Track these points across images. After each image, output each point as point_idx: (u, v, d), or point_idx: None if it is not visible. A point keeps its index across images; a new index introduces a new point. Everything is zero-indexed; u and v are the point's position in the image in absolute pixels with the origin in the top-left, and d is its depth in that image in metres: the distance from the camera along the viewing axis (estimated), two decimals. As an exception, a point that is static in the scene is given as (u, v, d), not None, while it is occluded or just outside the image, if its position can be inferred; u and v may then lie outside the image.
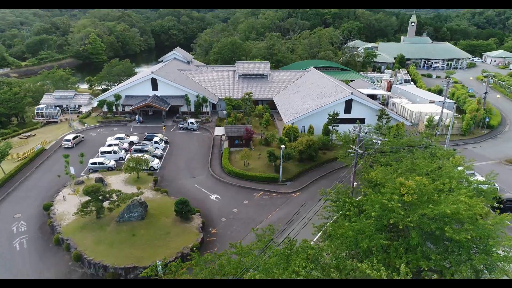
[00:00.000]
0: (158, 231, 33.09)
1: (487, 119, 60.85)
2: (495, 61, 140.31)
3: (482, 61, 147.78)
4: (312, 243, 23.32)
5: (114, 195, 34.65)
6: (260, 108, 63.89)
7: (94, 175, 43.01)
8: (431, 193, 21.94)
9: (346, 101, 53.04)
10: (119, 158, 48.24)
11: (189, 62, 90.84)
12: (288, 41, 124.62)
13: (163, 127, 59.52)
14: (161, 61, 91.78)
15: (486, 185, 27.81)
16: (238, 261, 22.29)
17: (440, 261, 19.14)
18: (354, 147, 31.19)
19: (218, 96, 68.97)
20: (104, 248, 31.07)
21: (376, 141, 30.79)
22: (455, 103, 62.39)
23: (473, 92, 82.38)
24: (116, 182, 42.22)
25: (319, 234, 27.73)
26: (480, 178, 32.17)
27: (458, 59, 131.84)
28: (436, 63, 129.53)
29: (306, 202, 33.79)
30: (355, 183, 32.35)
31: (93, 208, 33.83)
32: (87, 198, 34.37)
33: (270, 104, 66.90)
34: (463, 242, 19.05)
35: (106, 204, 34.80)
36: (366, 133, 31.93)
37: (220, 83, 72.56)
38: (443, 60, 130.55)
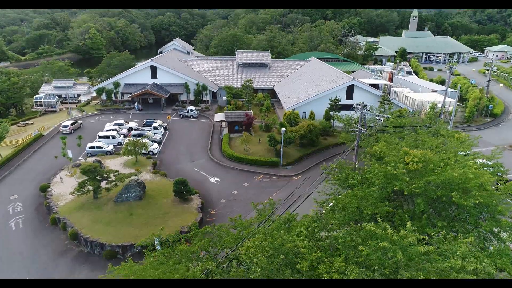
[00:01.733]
0: (157, 211, 32.45)
1: (490, 107, 60.11)
2: (497, 55, 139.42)
3: (484, 56, 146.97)
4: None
5: (111, 175, 34.00)
6: (260, 97, 63.14)
7: (92, 159, 42.34)
8: (436, 163, 21.28)
9: (347, 86, 52.36)
10: (118, 143, 47.61)
11: (189, 53, 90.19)
12: (288, 34, 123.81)
13: (168, 116, 58.20)
14: (161, 51, 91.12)
15: (492, 162, 27.11)
16: (237, 234, 21.69)
17: (447, 228, 18.47)
18: (356, 125, 30.52)
19: (218, 85, 68.30)
20: (101, 226, 30.44)
21: (379, 118, 30.08)
22: (460, 88, 61.62)
23: (476, 84, 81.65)
24: (114, 165, 41.51)
25: (322, 211, 27.09)
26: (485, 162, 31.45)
27: (460, 53, 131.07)
28: (437, 57, 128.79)
29: (307, 178, 33.12)
30: (357, 163, 31.69)
31: (90, 188, 33.20)
32: (85, 179, 33.75)
33: (271, 94, 66.25)
34: (470, 208, 18.40)
35: (103, 184, 34.15)
36: (368, 111, 31.23)
37: (220, 72, 71.86)
38: (444, 54, 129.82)
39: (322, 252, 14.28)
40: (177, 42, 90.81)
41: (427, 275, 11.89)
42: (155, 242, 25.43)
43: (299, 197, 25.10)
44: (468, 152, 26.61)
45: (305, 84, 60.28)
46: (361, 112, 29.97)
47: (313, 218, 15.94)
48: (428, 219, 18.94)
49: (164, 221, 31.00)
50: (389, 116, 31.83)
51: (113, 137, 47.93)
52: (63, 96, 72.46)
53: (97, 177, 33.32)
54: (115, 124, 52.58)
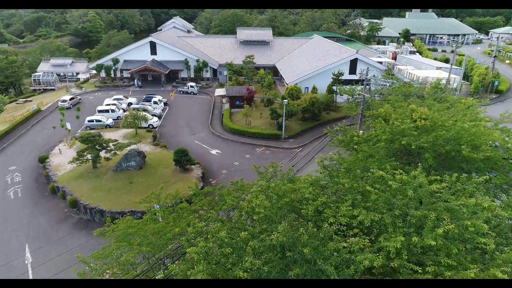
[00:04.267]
0: (157, 180, 31.94)
1: (496, 83, 59.03)
2: (502, 37, 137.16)
3: (488, 38, 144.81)
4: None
5: (110, 144, 33.42)
6: (262, 73, 62.05)
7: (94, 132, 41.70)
8: (444, 121, 20.57)
9: (351, 61, 51.29)
10: (117, 117, 46.91)
11: (189, 31, 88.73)
12: (290, 14, 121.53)
13: (171, 94, 56.17)
14: (161, 29, 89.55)
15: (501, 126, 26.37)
16: (239, 195, 21.16)
17: (455, 185, 17.87)
18: (361, 92, 29.75)
19: (219, 62, 67.15)
20: (100, 194, 30.02)
21: (384, 83, 29.26)
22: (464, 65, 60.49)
23: (480, 63, 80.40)
24: (114, 138, 40.78)
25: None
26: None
27: (464, 35, 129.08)
28: (441, 38, 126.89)
29: (311, 140, 32.37)
30: (361, 131, 31.00)
31: (89, 157, 32.66)
32: (83, 147, 33.17)
33: (272, 72, 65.05)
34: (480, 163, 17.75)
35: (102, 154, 33.59)
36: (374, 76, 30.37)
37: (221, 49, 70.61)
38: (448, 35, 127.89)
39: (328, 198, 13.71)
40: (177, 21, 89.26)
41: (439, 214, 11.30)
42: (155, 207, 25.03)
43: (302, 159, 24.52)
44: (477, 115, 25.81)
45: (308, 60, 59.16)
46: (366, 78, 29.13)
47: (318, 164, 15.27)
48: (436, 174, 18.30)
49: (165, 189, 30.37)
50: (396, 81, 30.93)
51: (113, 111, 47.23)
52: (61, 74, 71.44)
53: (96, 146, 32.75)
54: (115, 99, 51.84)
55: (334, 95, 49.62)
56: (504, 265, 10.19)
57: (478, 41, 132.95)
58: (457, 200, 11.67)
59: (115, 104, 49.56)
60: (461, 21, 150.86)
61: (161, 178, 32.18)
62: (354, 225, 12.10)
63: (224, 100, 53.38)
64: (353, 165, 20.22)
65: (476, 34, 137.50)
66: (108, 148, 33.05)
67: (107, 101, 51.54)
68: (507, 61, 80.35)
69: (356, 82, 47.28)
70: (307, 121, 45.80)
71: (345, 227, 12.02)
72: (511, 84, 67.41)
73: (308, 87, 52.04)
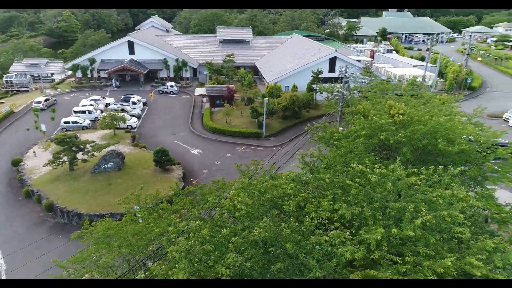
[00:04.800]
0: (136, 181, 31.34)
1: (469, 80, 60.92)
2: (474, 36, 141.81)
3: (461, 37, 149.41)
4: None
5: (88, 145, 32.60)
6: (242, 72, 61.93)
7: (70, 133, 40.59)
8: (420, 117, 21.04)
9: (330, 59, 51.83)
10: (94, 118, 45.79)
11: (167, 31, 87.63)
12: (270, 13, 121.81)
13: (151, 94, 54.96)
14: (138, 29, 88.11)
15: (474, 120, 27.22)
16: (220, 194, 21.01)
17: (432, 177, 18.30)
18: (340, 89, 30.09)
19: (199, 61, 66.59)
20: (78, 196, 29.24)
21: (362, 81, 29.68)
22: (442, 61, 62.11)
23: (454, 61, 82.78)
24: (91, 139, 39.87)
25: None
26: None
27: (439, 34, 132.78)
28: (417, 37, 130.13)
29: (292, 138, 32.54)
30: (340, 128, 31.36)
31: (66, 159, 31.76)
32: (59, 149, 32.21)
33: (253, 72, 65.00)
34: (455, 156, 18.24)
35: (79, 156, 32.72)
36: (352, 73, 30.77)
37: (200, 49, 70.05)
38: (423, 34, 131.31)
39: (309, 193, 13.76)
40: (155, 20, 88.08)
41: (417, 206, 11.52)
42: (135, 208, 24.55)
43: (283, 156, 24.59)
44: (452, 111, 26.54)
45: (288, 58, 59.45)
46: (345, 75, 29.46)
47: (299, 160, 15.32)
48: (414, 168, 18.69)
49: (145, 190, 29.88)
50: (374, 78, 31.44)
51: (90, 112, 46.11)
52: (35, 75, 69.30)
53: (73, 148, 31.87)
54: (92, 100, 50.63)
55: (314, 93, 50.04)
56: (479, 253, 10.47)
57: (452, 40, 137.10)
58: (434, 192, 11.93)
59: (92, 105, 48.42)
60: (436, 20, 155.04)
61: (141, 179, 31.62)
62: (335, 219, 12.19)
63: (204, 99, 53.00)
64: (334, 161, 20.43)
65: (450, 33, 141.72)
66: (85, 150, 32.22)
67: (83, 102, 50.27)
68: (479, 59, 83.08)
69: (336, 80, 47.80)
70: (287, 119, 46.00)
71: (326, 221, 12.10)
72: (483, 80, 69.78)
73: (288, 86, 52.28)
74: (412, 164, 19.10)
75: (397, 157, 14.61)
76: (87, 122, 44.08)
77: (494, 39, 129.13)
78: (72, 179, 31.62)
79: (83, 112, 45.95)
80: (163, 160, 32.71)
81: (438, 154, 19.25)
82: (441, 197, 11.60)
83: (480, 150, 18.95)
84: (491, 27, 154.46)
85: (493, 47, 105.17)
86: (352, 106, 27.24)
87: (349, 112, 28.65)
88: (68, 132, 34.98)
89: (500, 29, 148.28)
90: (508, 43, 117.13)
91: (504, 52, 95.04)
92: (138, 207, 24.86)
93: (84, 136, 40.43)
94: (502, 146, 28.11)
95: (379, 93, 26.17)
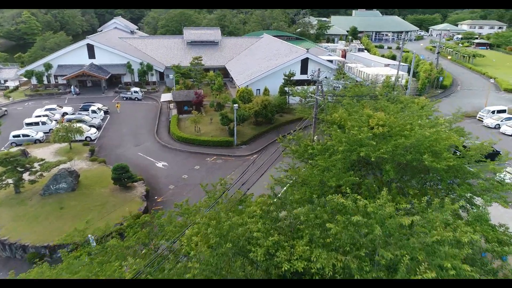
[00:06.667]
0: (93, 202, 28.09)
1: (441, 79, 60.77)
2: (440, 33, 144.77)
3: (429, 35, 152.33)
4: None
5: (36, 164, 28.97)
6: (211, 75, 59.08)
7: (16, 149, 36.50)
8: (401, 126, 19.17)
9: (302, 60, 49.92)
10: (49, 130, 41.76)
11: (132, 32, 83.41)
12: (240, 13, 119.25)
13: (117, 105, 49.74)
14: (101, 30, 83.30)
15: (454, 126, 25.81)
16: (183, 221, 18.37)
17: (419, 196, 16.39)
18: (313, 95, 28.00)
19: (166, 64, 63.18)
20: (23, 224, 25.66)
21: (337, 85, 27.70)
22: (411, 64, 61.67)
23: (425, 59, 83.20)
24: (44, 154, 36.01)
25: (282, 189, 24.44)
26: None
27: (407, 32, 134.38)
28: (386, 35, 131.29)
29: (260, 154, 30.27)
30: (316, 136, 29.33)
31: (10, 181, 28.03)
32: (1, 170, 28.42)
33: (223, 74, 62.31)
34: (442, 172, 16.40)
35: (26, 176, 29.05)
36: (326, 78, 28.75)
37: (167, 51, 66.61)
38: (393, 32, 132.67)
39: (281, 235, 11.38)
40: (119, 21, 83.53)
41: (412, 252, 9.38)
42: (90, 239, 21.52)
43: (254, 173, 22.20)
44: (430, 116, 25.01)
45: (258, 60, 57.14)
46: (318, 79, 27.39)
47: (269, 196, 12.95)
48: (398, 187, 16.76)
49: (102, 214, 26.85)
50: (348, 82, 29.56)
51: (43, 123, 42.02)
52: (-14, 82, 63.72)
53: (18, 168, 28.18)
54: (47, 110, 46.41)
55: (287, 96, 48.00)
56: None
57: (420, 38, 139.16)
58: (431, 234, 9.78)
59: (46, 115, 44.28)
60: (404, 18, 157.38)
61: (98, 200, 28.36)
62: (314, 270, 9.87)
63: (171, 105, 49.83)
64: (309, 179, 18.25)
65: (418, 31, 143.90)
66: (32, 170, 28.59)
67: (37, 112, 45.97)
68: (449, 57, 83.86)
69: (308, 82, 45.93)
70: (260, 125, 43.70)
71: (302, 273, 9.77)
72: (454, 78, 70.13)
73: (260, 89, 49.96)
74: (396, 182, 17.17)
75: (384, 188, 12.38)
76: (40, 135, 40.07)
77: (460, 36, 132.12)
78: (18, 203, 27.93)
79: (36, 123, 41.83)
80: (123, 177, 29.55)
81: (424, 169, 17.41)
82: (441, 243, 9.47)
83: (468, 163, 17.22)
84: (456, 25, 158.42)
85: (460, 44, 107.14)
86: (327, 114, 25.18)
87: (324, 120, 26.62)
88: (14, 149, 31.11)
89: (464, 26, 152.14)
90: (473, 40, 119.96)
91: (470, 49, 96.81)
92: (92, 239, 21.89)
93: (36, 152, 36.60)
94: (493, 154, 26.97)
95: (354, 101, 24.24)
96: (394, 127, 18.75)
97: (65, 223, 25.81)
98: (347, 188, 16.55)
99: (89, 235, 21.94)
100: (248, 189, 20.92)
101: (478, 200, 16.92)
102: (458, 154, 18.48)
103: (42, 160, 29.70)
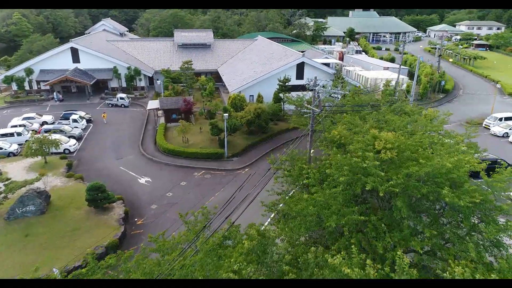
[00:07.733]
0: (64, 228, 25.10)
1: (443, 83, 58.21)
2: (441, 35, 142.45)
3: (427, 36, 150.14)
4: (262, 227, 17.03)
5: (0, 184, 25.96)
6: (203, 80, 56.14)
7: (-14, 164, 33.53)
8: (413, 147, 16.36)
9: (297, 65, 47.09)
10: (25, 141, 38.58)
11: (122, 34, 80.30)
12: (234, 14, 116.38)
13: (104, 115, 46.06)
14: (89, 33, 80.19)
15: (466, 142, 23.03)
16: (157, 261, 15.53)
17: (436, 238, 13.58)
18: (309, 105, 25.17)
19: (155, 68, 60.22)
20: (-19, 256, 22.65)
21: (336, 95, 24.89)
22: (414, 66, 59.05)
23: (424, 61, 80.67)
24: (17, 170, 33.09)
25: (272, 215, 21.58)
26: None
27: (405, 33, 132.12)
28: (384, 36, 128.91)
29: (252, 174, 27.46)
30: (312, 150, 26.48)
31: (-30, 204, 25.03)
32: (-38, 191, 25.43)
33: (215, 78, 59.46)
34: (464, 208, 13.58)
35: (-10, 197, 26.03)
36: (323, 87, 25.91)
37: (157, 54, 63.62)
38: (390, 33, 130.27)
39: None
40: (107, 23, 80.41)
41: None
42: (55, 273, 18.62)
43: (243, 200, 19.28)
44: (441, 132, 22.24)
45: (252, 64, 54.27)
46: (314, 89, 24.55)
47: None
48: (411, 227, 13.94)
49: (72, 241, 23.84)
50: (347, 92, 26.76)
51: (18, 134, 38.93)
52: (-35, 88, 60.50)
53: (-21, 189, 25.17)
54: (24, 119, 43.28)
55: (282, 103, 45.18)
56: None
57: (418, 39, 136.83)
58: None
59: (23, 125, 41.20)
60: (401, 19, 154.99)
61: (69, 225, 25.36)
62: None
63: (159, 113, 46.87)
64: (304, 211, 15.37)
65: (416, 31, 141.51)
66: (-4, 191, 25.58)
67: (14, 121, 42.88)
68: (450, 60, 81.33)
69: (304, 88, 43.15)
70: (253, 134, 40.86)
71: None
72: (456, 82, 67.62)
73: (253, 95, 47.10)
74: (408, 219, 14.32)
75: (399, 252, 9.48)
76: (14, 148, 37.01)
77: (458, 37, 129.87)
78: (-22, 229, 24.92)
79: (11, 134, 38.73)
80: (98, 198, 26.59)
81: (439, 203, 14.60)
82: None
83: (494, 198, 14.42)
84: (454, 26, 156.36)
85: (460, 46, 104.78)
86: (325, 131, 22.33)
87: (321, 131, 23.80)
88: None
89: (462, 27, 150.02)
90: (472, 41, 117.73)
91: (470, 51, 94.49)
92: (56, 271, 19.03)
93: (7, 167, 33.60)
94: (493, 163, 23.98)
95: (358, 119, 21.44)
96: (404, 150, 15.94)
97: (31, 253, 22.81)
98: (348, 229, 13.76)
99: (55, 269, 19.09)
100: (237, 219, 18.03)
101: (507, 240, 14.15)
102: (478, 182, 15.72)
103: (8, 179, 26.67)
